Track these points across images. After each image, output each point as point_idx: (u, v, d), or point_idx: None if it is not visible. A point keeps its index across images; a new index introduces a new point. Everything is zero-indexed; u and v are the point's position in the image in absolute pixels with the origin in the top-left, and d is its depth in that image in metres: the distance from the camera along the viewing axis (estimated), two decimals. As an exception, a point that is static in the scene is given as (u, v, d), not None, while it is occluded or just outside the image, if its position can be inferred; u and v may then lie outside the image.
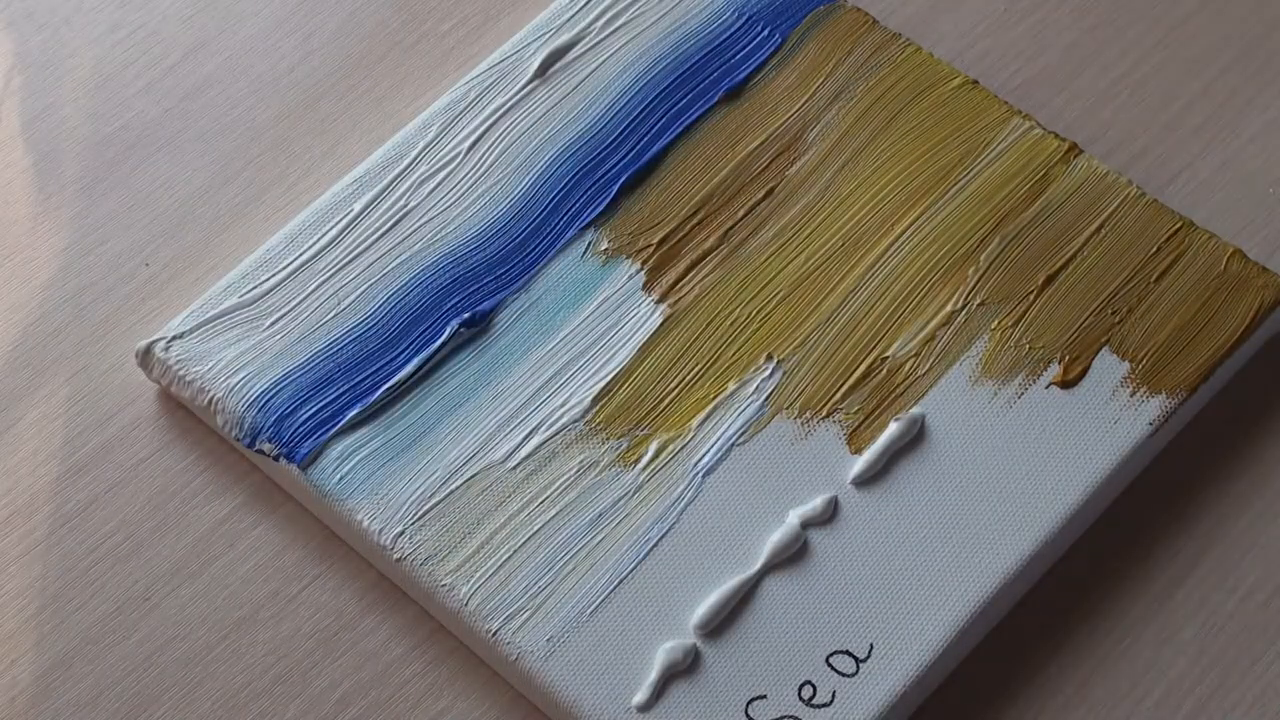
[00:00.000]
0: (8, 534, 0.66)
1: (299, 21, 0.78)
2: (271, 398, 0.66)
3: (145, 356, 0.67)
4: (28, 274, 0.71)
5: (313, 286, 0.68)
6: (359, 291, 0.68)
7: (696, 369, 0.67)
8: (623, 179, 0.71)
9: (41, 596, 0.65)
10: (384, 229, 0.69)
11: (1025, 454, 0.65)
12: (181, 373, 0.67)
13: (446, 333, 0.67)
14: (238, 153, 0.74)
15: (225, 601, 0.65)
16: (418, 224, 0.70)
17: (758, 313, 0.68)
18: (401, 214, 0.70)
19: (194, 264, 0.71)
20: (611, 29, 0.74)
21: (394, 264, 0.69)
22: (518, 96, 0.72)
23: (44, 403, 0.68)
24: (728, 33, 0.74)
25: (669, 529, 0.63)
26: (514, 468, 0.65)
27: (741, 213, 0.70)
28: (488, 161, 0.71)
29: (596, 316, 0.68)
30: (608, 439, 0.65)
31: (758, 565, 0.62)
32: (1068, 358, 0.67)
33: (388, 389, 0.66)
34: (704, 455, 0.65)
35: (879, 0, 0.77)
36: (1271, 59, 0.76)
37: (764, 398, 0.66)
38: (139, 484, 0.67)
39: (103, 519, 0.66)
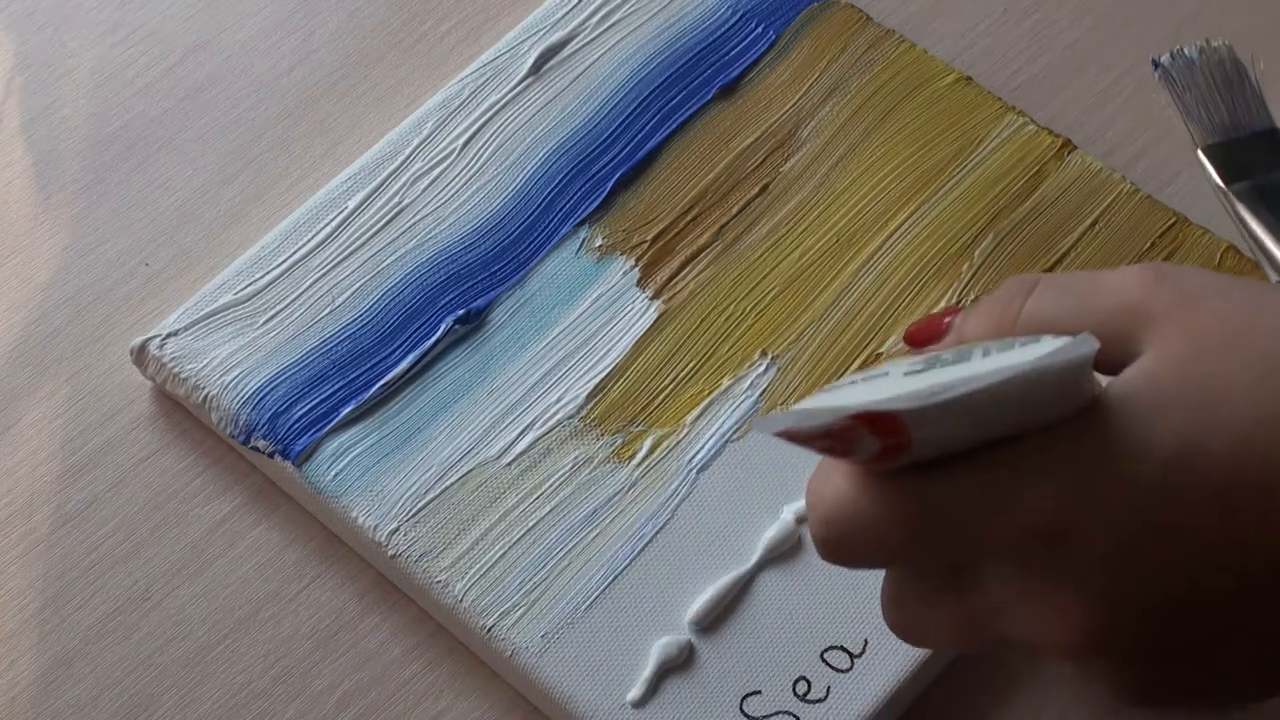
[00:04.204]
0: (8, 534, 0.66)
1: (299, 21, 0.78)
2: (265, 395, 0.66)
3: (140, 354, 0.67)
4: (28, 274, 0.71)
5: (307, 284, 0.68)
6: (353, 288, 0.68)
7: (691, 365, 0.67)
8: (617, 176, 0.70)
9: (41, 596, 0.65)
10: (378, 226, 0.69)
11: (1021, 450, 0.64)
12: (176, 370, 0.67)
13: (441, 329, 0.67)
14: (238, 153, 0.74)
15: (225, 601, 0.64)
16: (412, 221, 0.70)
17: (752, 309, 0.68)
18: (396, 211, 0.70)
19: (194, 264, 0.71)
20: (605, 26, 0.74)
21: (388, 261, 0.69)
22: (512, 94, 0.72)
23: (44, 403, 0.68)
24: (721, 29, 0.74)
25: (663, 525, 0.63)
26: (508, 464, 0.65)
27: (735, 209, 0.70)
28: (482, 158, 0.71)
29: (591, 313, 0.68)
30: (602, 435, 0.65)
31: (753, 561, 0.62)
32: (1063, 353, 0.66)
33: (382, 386, 0.66)
34: (698, 451, 0.65)
35: (878, 1, 0.77)
36: (1271, 59, 0.76)
37: (759, 393, 0.66)
38: (139, 484, 0.67)
39: (103, 519, 0.66)
